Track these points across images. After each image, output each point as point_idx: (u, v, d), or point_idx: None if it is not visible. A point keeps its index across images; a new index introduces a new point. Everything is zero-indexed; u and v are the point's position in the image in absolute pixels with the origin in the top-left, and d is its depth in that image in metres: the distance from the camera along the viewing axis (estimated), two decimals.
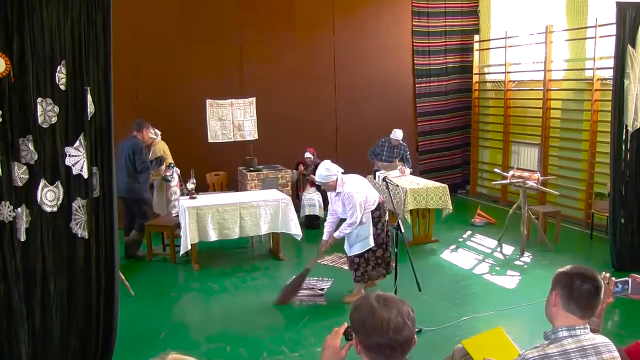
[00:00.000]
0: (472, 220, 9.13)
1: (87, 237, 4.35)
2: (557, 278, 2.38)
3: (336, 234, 5.85)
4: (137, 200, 7.50)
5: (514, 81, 10.31)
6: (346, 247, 6.02)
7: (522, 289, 6.33)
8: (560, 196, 8.75)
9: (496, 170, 8.92)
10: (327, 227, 6.01)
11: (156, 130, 8.04)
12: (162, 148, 8.03)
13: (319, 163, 8.87)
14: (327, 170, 5.77)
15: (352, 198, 5.65)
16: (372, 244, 5.79)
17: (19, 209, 4.14)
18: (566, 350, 2.24)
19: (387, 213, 6.02)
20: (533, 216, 7.69)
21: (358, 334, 1.91)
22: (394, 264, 5.67)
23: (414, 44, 10.88)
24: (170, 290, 6.49)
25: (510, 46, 10.19)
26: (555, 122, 9.43)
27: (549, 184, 8.89)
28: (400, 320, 1.85)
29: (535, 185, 7.52)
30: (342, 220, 5.85)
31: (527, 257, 7.35)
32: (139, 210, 7.53)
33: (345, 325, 1.99)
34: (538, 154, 9.61)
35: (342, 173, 5.88)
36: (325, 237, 6.00)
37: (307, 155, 8.99)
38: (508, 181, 7.87)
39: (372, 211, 5.82)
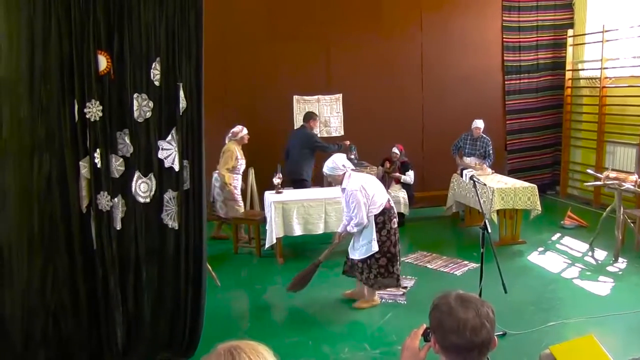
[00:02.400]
0: (562, 222, 8.77)
1: (177, 228, 4.52)
2: None
3: (348, 229, 5.71)
4: (298, 180, 8.23)
5: (610, 77, 9.82)
6: (350, 249, 5.83)
7: (616, 297, 6.02)
8: None
9: (589, 171, 8.53)
10: (344, 220, 5.92)
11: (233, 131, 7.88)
12: (232, 149, 7.74)
13: (405, 161, 8.89)
14: (333, 162, 5.65)
15: (355, 196, 5.50)
16: (375, 249, 5.56)
17: (116, 199, 4.35)
18: None
19: (394, 220, 5.71)
20: (629, 220, 7.29)
21: (436, 333, 1.90)
22: (403, 283, 5.82)
23: (504, 39, 10.56)
24: (254, 282, 6.64)
25: (607, 40, 9.69)
26: None
27: None
28: (478, 322, 1.82)
29: (632, 187, 7.12)
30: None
31: (621, 263, 6.98)
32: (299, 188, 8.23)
33: (424, 326, 1.98)
34: (637, 154, 9.09)
35: (353, 170, 5.81)
36: (339, 229, 5.94)
37: (394, 150, 8.92)
38: (602, 182, 7.50)
39: (375, 215, 5.59)
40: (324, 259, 5.91)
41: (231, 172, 7.62)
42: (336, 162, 5.66)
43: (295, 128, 8.94)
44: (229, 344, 1.62)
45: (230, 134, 7.78)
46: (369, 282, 5.71)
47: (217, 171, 7.78)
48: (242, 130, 7.77)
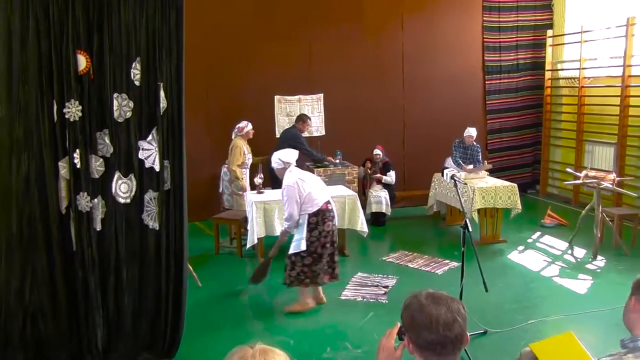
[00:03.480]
0: (542, 221, 8.86)
1: (157, 229, 4.49)
2: (638, 284, 2.27)
3: (284, 227, 5.76)
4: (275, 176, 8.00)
5: (589, 77, 9.93)
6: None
7: (595, 294, 6.10)
8: (639, 198, 8.37)
9: (568, 170, 8.61)
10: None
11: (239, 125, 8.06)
12: (239, 145, 7.91)
13: (386, 161, 8.93)
14: (276, 156, 5.70)
15: (288, 190, 5.47)
16: (302, 247, 5.49)
17: (96, 199, 4.32)
18: None
19: (328, 223, 5.56)
20: (607, 218, 7.39)
21: (409, 332, 1.91)
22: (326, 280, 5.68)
23: (485, 39, 10.65)
24: (236, 283, 6.61)
25: (586, 41, 9.81)
26: (635, 120, 9.01)
27: (625, 185, 8.51)
28: (450, 316, 1.84)
29: (610, 186, 7.22)
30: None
31: (600, 261, 7.07)
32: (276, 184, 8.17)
33: (398, 325, 1.99)
34: (614, 153, 9.21)
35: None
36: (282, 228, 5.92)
37: (377, 152, 8.96)
38: (581, 181, 7.59)
39: (309, 215, 5.49)
40: (273, 256, 5.94)
41: (240, 166, 7.81)
42: (277, 157, 5.69)
43: (285, 128, 9.05)
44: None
45: (236, 129, 7.97)
46: (287, 280, 5.67)
47: (226, 165, 8.04)
48: (247, 126, 7.95)
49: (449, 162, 8.83)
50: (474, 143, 8.77)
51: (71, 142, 4.21)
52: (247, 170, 8.00)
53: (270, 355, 1.62)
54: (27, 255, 4.24)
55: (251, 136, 8.02)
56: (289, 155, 5.76)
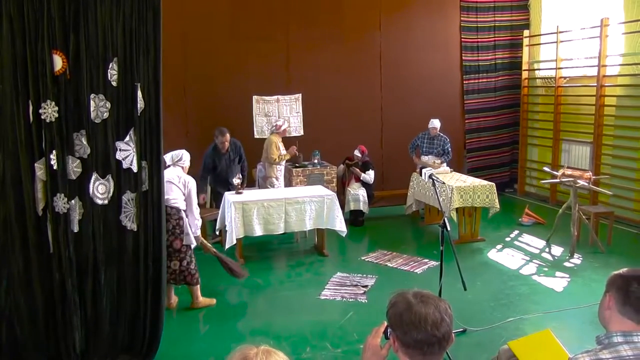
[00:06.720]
0: (520, 219, 8.96)
1: (136, 230, 4.46)
2: (612, 280, 2.29)
3: None
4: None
5: (565, 77, 10.06)
6: None
7: (572, 291, 6.18)
8: (614, 196, 8.50)
9: (545, 168, 8.72)
10: None
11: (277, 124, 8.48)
12: (274, 140, 8.25)
13: (366, 161, 8.95)
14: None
15: None
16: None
17: (73, 201, 4.27)
18: (622, 356, 2.13)
19: (170, 227, 5.42)
20: (584, 216, 7.49)
21: (395, 330, 1.90)
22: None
23: (462, 39, 10.72)
24: (215, 283, 6.57)
25: (562, 41, 9.93)
26: (609, 120, 9.15)
27: (601, 183, 8.64)
28: (438, 316, 1.84)
29: (586, 184, 7.31)
30: None
31: (577, 259, 7.17)
32: None
33: (385, 324, 1.98)
34: (590, 152, 9.34)
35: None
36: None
37: (356, 153, 8.98)
38: (558, 180, 7.68)
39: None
40: (214, 254, 6.18)
41: (275, 163, 8.17)
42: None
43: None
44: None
45: (273, 127, 8.44)
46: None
47: (260, 162, 8.44)
48: (284, 124, 8.48)
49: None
50: (440, 134, 8.91)
51: (47, 143, 4.16)
52: (282, 168, 8.40)
53: (273, 357, 1.62)
54: (2, 258, 4.18)
55: (286, 134, 8.54)
56: (174, 154, 5.84)
